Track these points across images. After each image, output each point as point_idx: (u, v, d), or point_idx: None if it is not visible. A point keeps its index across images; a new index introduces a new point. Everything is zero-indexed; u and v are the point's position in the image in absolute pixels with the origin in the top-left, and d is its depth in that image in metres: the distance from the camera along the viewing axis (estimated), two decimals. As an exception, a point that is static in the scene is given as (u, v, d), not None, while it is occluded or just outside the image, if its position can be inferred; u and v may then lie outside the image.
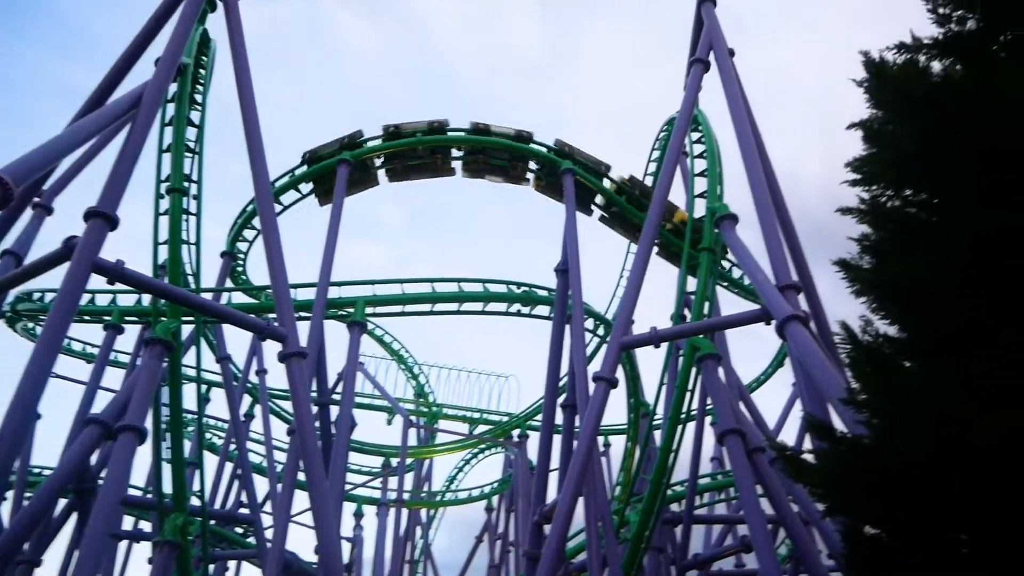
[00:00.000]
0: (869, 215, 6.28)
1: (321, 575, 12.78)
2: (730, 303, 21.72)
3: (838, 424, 7.47)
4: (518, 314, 19.57)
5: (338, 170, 17.81)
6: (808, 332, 10.90)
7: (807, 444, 14.71)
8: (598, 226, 19.67)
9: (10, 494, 14.56)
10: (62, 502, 15.31)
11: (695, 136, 17.39)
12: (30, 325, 22.02)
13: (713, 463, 24.89)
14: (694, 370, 14.44)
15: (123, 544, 20.63)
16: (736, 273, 21.78)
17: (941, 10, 5.67)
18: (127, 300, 18.90)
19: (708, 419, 16.83)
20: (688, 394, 14.75)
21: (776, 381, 27.76)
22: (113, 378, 24.02)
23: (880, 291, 5.75)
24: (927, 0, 5.81)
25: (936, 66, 5.86)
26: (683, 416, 14.85)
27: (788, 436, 20.74)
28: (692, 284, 15.46)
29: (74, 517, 15.73)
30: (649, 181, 22.09)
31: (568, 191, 17.35)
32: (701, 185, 16.39)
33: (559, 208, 17.30)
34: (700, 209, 15.85)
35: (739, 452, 12.76)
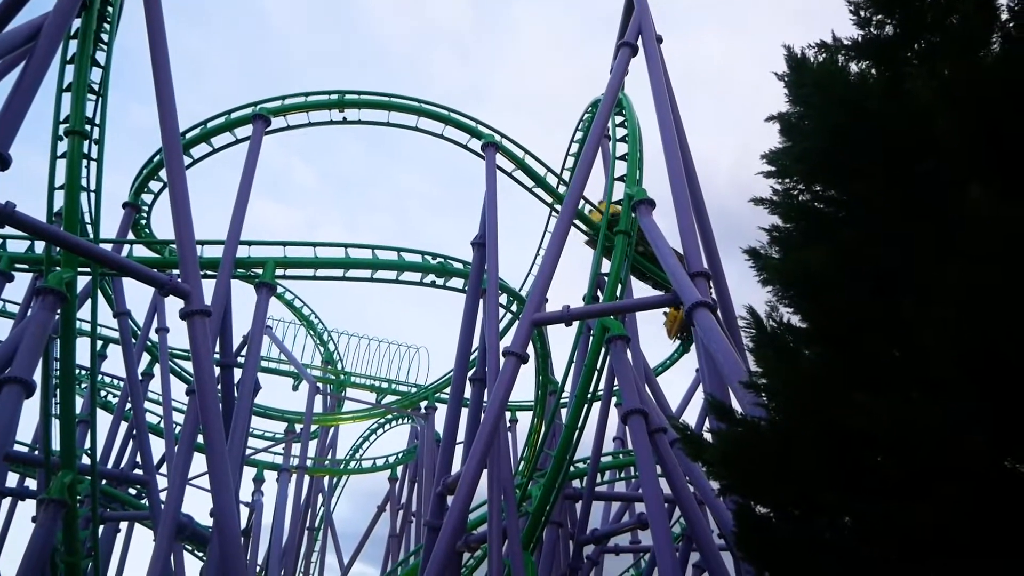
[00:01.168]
0: (780, 207, 6.51)
1: (215, 539, 12.49)
2: (641, 288, 22.30)
3: (738, 408, 7.78)
4: (432, 285, 19.43)
5: (254, 123, 17.25)
6: (715, 319, 11.27)
7: (707, 427, 15.32)
8: (518, 201, 19.74)
9: None
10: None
11: (618, 120, 17.62)
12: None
13: (616, 443, 25.59)
14: (603, 350, 14.75)
15: (6, 502, 19.62)
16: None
17: (863, 12, 5.89)
18: (18, 247, 17.75)
19: (613, 400, 17.24)
20: (596, 374, 15.08)
21: (680, 366, 28.77)
22: (2, 330, 22.74)
23: (784, 279, 5.98)
24: (850, 2, 6.02)
25: (853, 67, 6.11)
26: (590, 395, 15.17)
27: (690, 419, 21.55)
28: (607, 267, 15.76)
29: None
30: (571, 162, 22.32)
31: (489, 163, 17.29)
32: (621, 169, 16.63)
33: (479, 179, 17.23)
34: (619, 192, 16.11)
35: (641, 432, 13.15)
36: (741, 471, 5.28)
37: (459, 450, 17.05)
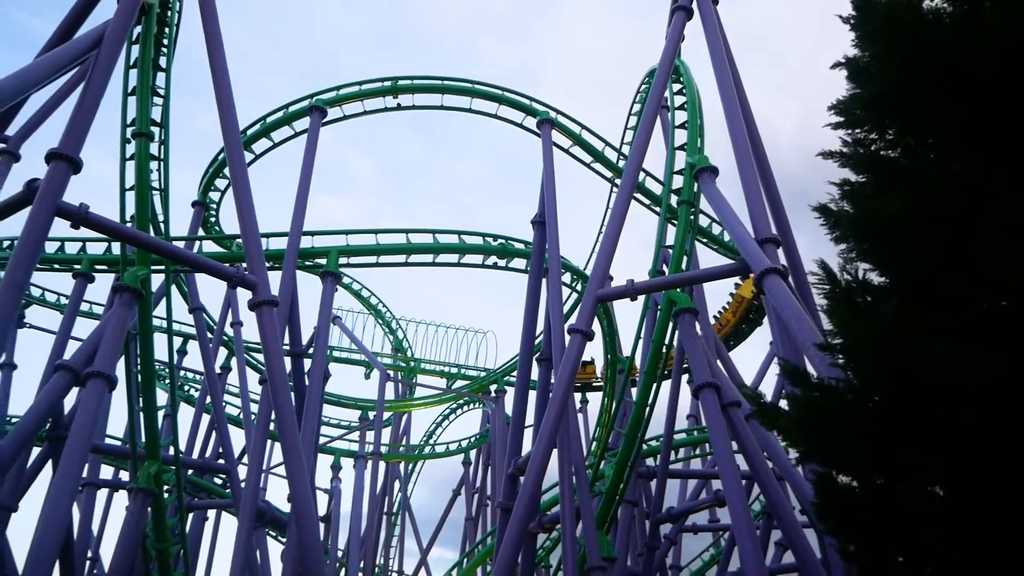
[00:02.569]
0: (851, 158, 6.13)
1: (293, 523, 12.78)
2: (709, 259, 21.73)
3: (814, 374, 7.43)
4: (494, 266, 19.36)
5: (311, 115, 17.46)
6: (786, 285, 10.84)
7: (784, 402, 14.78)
8: (577, 179, 19.51)
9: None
10: (37, 450, 15.21)
11: (676, 88, 17.10)
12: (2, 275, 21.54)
13: (689, 420, 25.15)
14: (671, 325, 14.40)
15: (103, 493, 20.65)
16: (716, 229, 21.70)
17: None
18: (97, 249, 18.49)
19: (685, 377, 16.87)
20: (664, 349, 14.74)
21: (751, 342, 28.05)
22: (89, 329, 23.82)
23: (858, 232, 5.63)
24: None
25: (926, 3, 5.67)
26: (659, 372, 14.84)
27: (765, 392, 20.85)
28: (672, 239, 15.33)
29: (50, 465, 15.59)
30: (630, 136, 21.90)
31: (546, 141, 17.05)
32: (681, 138, 16.15)
33: (535, 160, 17.05)
34: (680, 162, 15.65)
35: (714, 406, 12.77)
36: (818, 436, 4.99)
37: (529, 432, 17.01)
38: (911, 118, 5.48)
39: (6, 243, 20.69)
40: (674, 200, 15.30)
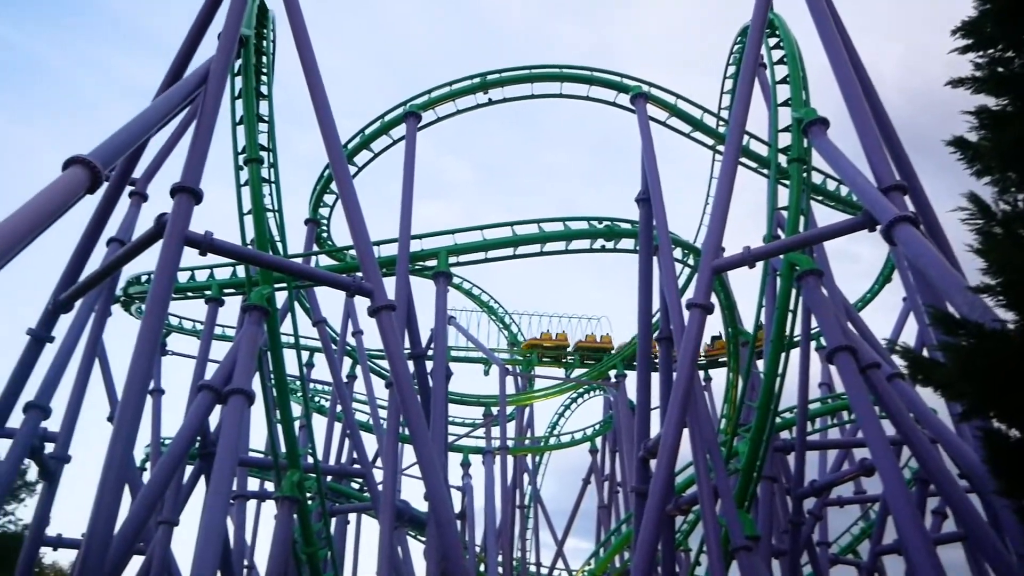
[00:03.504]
0: (986, 82, 5.58)
1: (432, 521, 13.03)
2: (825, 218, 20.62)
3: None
4: (602, 249, 19.09)
5: (407, 121, 17.77)
6: (919, 232, 10.07)
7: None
8: (672, 154, 18.99)
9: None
10: (189, 468, 16.22)
11: (772, 42, 16.29)
12: (142, 307, 23.19)
13: (822, 388, 24.03)
14: (794, 290, 13.72)
15: (252, 504, 21.88)
16: (831, 185, 20.59)
17: None
18: (224, 273, 19.55)
19: (812, 344, 16.04)
20: (790, 315, 14.06)
21: (878, 303, 26.52)
22: (224, 350, 25.35)
23: (1002, 163, 5.09)
24: None
25: None
26: (787, 340, 14.17)
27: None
28: (784, 200, 14.62)
29: (203, 481, 16.61)
30: (726, 100, 21.10)
31: (641, 115, 16.63)
32: (783, 94, 15.36)
33: (628, 139, 16.66)
34: (785, 119, 14.89)
35: (851, 370, 12.02)
36: (985, 386, 4.53)
37: (655, 415, 16.67)
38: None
39: (144, 278, 22.27)
40: (782, 160, 14.59)
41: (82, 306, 13.95)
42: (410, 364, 15.83)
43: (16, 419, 12.81)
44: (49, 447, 13.77)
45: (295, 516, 14.28)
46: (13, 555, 13.88)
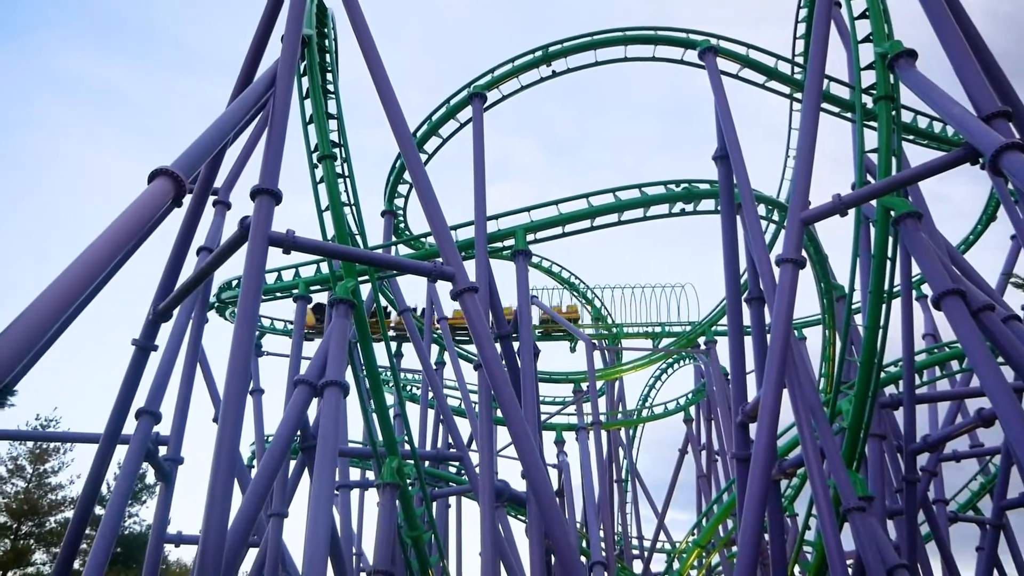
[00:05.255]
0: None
1: (531, 500, 13.03)
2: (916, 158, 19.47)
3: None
4: (682, 213, 18.55)
5: (472, 103, 17.68)
6: (1030, 160, 9.30)
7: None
8: (746, 109, 18.22)
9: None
10: (293, 461, 16.75)
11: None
12: (235, 310, 24.06)
13: (927, 340, 22.89)
14: (891, 236, 12.97)
15: (356, 493, 22.51)
16: (922, 122, 19.39)
17: None
18: (308, 271, 20.04)
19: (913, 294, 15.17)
20: (888, 263, 13.31)
21: (981, 245, 25.00)
22: (315, 347, 26.16)
23: None
24: None
25: None
26: (887, 290, 13.42)
27: (1012, 302, 18.23)
28: (873, 143, 13.81)
29: (307, 474, 17.14)
30: (800, 46, 20.13)
31: (712, 70, 16.01)
32: (864, 29, 14.47)
33: (695, 100, 16.06)
34: (867, 56, 14.04)
35: (962, 314, 11.26)
36: None
37: (750, 379, 16.16)
38: None
39: (234, 282, 23.07)
40: (867, 101, 13.78)
41: (180, 315, 14.50)
42: (497, 346, 15.85)
43: (130, 426, 13.44)
44: (163, 450, 14.46)
45: (397, 502, 14.54)
46: (139, 553, 14.68)
